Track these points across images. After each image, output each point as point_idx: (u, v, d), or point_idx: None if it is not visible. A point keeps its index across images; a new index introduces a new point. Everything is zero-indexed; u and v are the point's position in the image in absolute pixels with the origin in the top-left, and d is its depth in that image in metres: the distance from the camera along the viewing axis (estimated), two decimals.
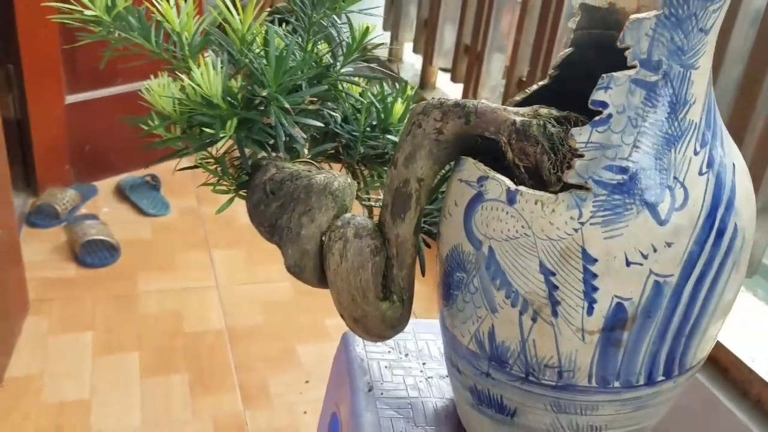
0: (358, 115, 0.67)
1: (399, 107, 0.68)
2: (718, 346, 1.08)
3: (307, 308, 1.55)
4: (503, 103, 0.52)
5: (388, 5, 2.46)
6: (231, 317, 1.53)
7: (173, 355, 1.40)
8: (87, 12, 0.58)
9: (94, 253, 1.64)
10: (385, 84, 0.71)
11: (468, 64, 1.90)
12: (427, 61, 2.13)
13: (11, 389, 1.27)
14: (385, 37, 2.51)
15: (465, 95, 1.90)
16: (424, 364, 0.67)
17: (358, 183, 0.69)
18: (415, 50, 2.27)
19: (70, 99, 1.84)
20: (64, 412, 1.24)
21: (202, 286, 1.62)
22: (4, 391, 1.27)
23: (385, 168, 0.68)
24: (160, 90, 0.57)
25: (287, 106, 0.55)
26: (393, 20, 2.39)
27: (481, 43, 1.82)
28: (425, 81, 2.15)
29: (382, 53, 2.51)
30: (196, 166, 0.63)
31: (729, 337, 1.09)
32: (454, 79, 2.00)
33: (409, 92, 0.71)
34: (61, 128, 1.85)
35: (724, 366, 1.07)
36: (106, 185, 1.97)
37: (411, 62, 2.42)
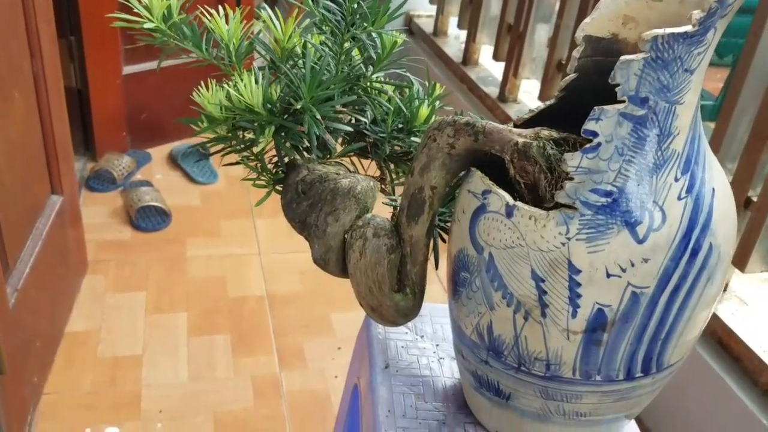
0: (386, 117, 0.73)
1: (424, 111, 0.74)
2: (733, 336, 1.12)
3: (342, 280, 1.64)
4: (510, 125, 0.57)
5: None
6: (271, 284, 1.62)
7: (217, 317, 1.51)
8: (147, 25, 0.66)
9: (147, 218, 1.75)
10: (416, 84, 0.76)
11: (510, 43, 1.93)
12: (471, 38, 2.16)
13: (70, 343, 1.40)
14: (432, 10, 2.53)
15: (506, 74, 1.93)
16: (437, 345, 0.74)
17: (385, 178, 0.76)
18: (460, 26, 2.29)
19: (128, 70, 1.94)
20: (118, 365, 1.36)
21: (246, 252, 1.73)
22: (65, 345, 1.39)
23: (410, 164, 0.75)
24: (209, 96, 0.65)
25: (318, 117, 0.61)
26: None
27: (524, 23, 1.84)
28: (468, 57, 2.18)
29: (428, 27, 2.53)
30: (238, 162, 0.70)
31: (743, 328, 1.13)
32: (496, 58, 2.03)
33: (439, 90, 0.76)
34: (119, 97, 1.96)
35: (736, 355, 1.12)
36: (159, 152, 2.08)
37: (456, 35, 2.44)
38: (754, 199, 1.13)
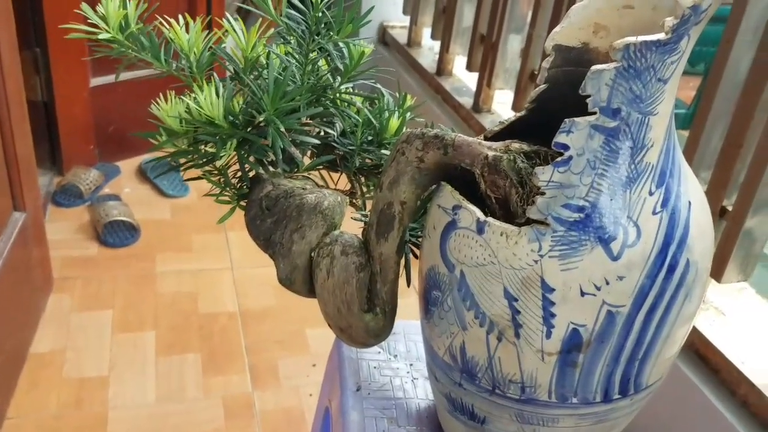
0: (355, 129, 0.71)
1: (394, 122, 0.71)
2: (710, 347, 1.11)
3: None
4: (480, 137, 0.55)
5: None
6: (244, 299, 1.59)
7: (188, 335, 1.47)
8: (102, 35, 0.63)
9: (115, 234, 1.71)
10: (387, 95, 0.74)
11: (483, 54, 1.92)
12: (444, 48, 2.15)
13: (35, 364, 1.35)
14: (405, 21, 2.52)
15: (479, 84, 1.92)
16: (411, 365, 0.72)
17: (355, 191, 0.74)
18: (434, 36, 2.28)
19: (95, 82, 1.90)
20: (84, 386, 1.31)
21: (217, 267, 1.69)
22: (29, 366, 1.34)
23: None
24: (168, 109, 0.62)
25: (283, 129, 0.59)
26: (413, 4, 2.41)
27: (496, 33, 1.83)
28: (442, 68, 2.17)
29: (402, 38, 2.52)
30: (201, 177, 0.68)
31: (721, 339, 1.12)
32: (469, 68, 2.02)
33: (410, 101, 0.74)
34: (86, 110, 1.91)
35: (714, 367, 1.11)
36: (128, 166, 2.04)
37: (429, 46, 2.43)
38: (729, 208, 1.12)
